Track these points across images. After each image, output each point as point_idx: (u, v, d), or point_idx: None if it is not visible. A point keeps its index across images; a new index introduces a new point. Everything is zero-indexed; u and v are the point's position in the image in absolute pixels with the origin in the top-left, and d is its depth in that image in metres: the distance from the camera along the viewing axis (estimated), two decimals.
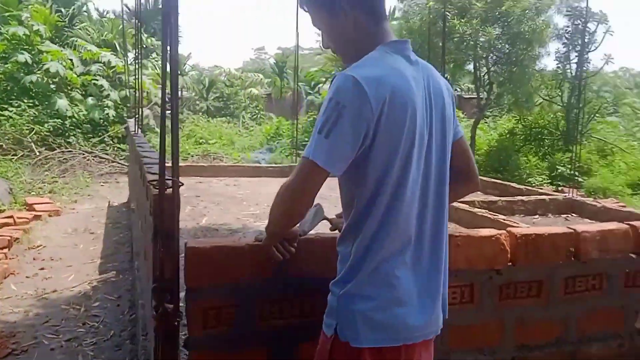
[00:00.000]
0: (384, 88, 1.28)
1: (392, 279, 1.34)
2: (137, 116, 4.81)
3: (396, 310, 1.34)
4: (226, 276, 1.71)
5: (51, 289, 4.62)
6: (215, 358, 1.73)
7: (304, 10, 1.50)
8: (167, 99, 1.56)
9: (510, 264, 2.04)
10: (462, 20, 10.35)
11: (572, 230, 2.12)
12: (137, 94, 5.02)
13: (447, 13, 9.78)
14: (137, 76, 5.09)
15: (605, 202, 7.45)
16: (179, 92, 20.27)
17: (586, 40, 10.35)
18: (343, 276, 1.37)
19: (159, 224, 1.66)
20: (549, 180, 10.34)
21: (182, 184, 1.63)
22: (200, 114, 22.32)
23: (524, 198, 6.44)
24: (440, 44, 7.49)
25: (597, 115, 11.35)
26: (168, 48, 1.50)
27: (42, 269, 5.21)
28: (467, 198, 5.78)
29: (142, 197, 2.52)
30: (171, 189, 1.61)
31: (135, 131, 4.88)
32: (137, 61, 5.11)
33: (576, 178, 8.38)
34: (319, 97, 22.04)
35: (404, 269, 1.36)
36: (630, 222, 2.26)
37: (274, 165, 9.83)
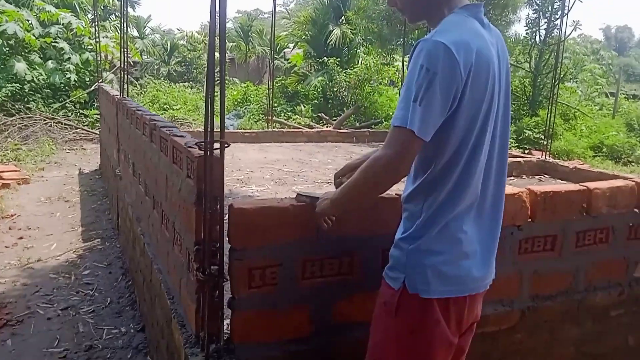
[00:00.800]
0: (470, 53, 1.30)
1: (460, 234, 1.40)
2: (123, 80, 4.66)
3: (463, 263, 1.41)
4: (270, 237, 1.73)
5: (35, 258, 4.51)
6: (258, 316, 1.77)
7: None
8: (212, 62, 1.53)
9: (530, 220, 2.14)
10: None
11: (585, 188, 2.23)
12: (121, 55, 4.83)
13: None
14: (121, 35, 4.89)
15: (572, 163, 7.77)
16: (140, 56, 19.31)
17: (556, 6, 10.56)
18: (413, 232, 1.42)
19: (205, 187, 1.65)
20: (516, 144, 10.66)
21: (229, 145, 1.63)
22: (162, 79, 21.69)
23: None
24: None
25: (562, 80, 11.71)
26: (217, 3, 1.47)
27: (20, 238, 5.06)
28: None
29: (160, 162, 2.48)
30: (219, 150, 1.60)
31: (121, 95, 4.73)
32: (122, 19, 4.90)
33: (542, 141, 8.69)
34: (284, 63, 21.73)
35: (470, 225, 1.42)
36: (635, 180, 2.40)
37: (250, 130, 9.71)
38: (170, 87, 19.38)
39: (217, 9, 1.52)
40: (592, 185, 2.26)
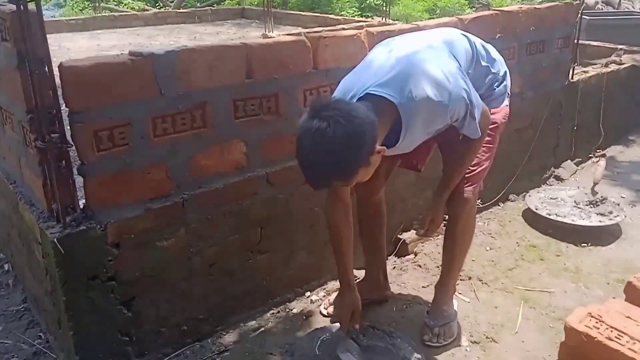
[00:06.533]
0: None
1: None
2: None
3: None
4: (112, 95, 1.65)
5: None
6: (114, 179, 1.73)
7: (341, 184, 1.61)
8: None
9: None
10: None
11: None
12: None
13: None
14: None
15: None
16: None
17: None
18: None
19: (25, 47, 1.49)
20: (359, 12, 10.87)
21: None
22: None
23: (344, 26, 6.74)
24: None
25: None
26: None
27: None
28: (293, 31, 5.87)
29: None
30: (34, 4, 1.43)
31: None
32: None
33: (382, 8, 9.07)
34: None
35: None
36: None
37: (75, 17, 8.62)
38: None
39: None
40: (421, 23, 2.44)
